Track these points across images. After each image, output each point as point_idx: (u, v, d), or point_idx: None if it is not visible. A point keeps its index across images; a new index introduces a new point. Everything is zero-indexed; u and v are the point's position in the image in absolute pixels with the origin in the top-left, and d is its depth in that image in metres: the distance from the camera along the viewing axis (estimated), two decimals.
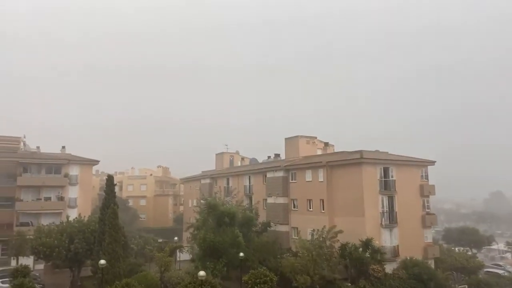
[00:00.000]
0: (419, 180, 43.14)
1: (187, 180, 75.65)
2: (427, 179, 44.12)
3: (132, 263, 37.83)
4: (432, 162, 44.97)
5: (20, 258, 44.50)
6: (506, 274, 48.70)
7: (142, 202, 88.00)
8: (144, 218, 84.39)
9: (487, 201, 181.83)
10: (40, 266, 47.73)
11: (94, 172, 70.77)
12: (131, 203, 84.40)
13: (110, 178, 40.33)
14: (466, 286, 39.12)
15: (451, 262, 43.03)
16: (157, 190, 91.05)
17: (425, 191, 42.90)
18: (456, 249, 54.78)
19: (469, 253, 52.73)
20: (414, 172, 43.21)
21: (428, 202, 43.83)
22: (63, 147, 62.97)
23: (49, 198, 56.49)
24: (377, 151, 46.45)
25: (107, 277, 32.04)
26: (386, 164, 41.16)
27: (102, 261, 32.16)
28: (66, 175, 57.24)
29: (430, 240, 43.18)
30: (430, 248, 41.91)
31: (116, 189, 41.72)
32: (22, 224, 53.21)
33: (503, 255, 71.69)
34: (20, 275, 32.75)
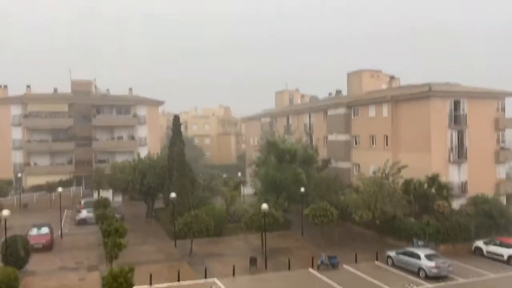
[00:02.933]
0: (494, 113, 40.01)
1: (248, 119, 76.84)
2: (504, 111, 40.77)
3: (200, 197, 40.24)
4: (511, 94, 41.20)
5: (101, 191, 49.21)
6: None
7: (207, 141, 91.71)
8: (208, 155, 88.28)
9: None
10: (119, 198, 52.58)
11: (160, 112, 74.15)
12: (196, 141, 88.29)
13: (176, 118, 42.12)
14: None
15: None
16: (220, 129, 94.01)
17: (501, 124, 39.83)
18: None
19: None
20: (489, 105, 39.97)
21: (503, 136, 40.85)
22: (130, 89, 66.20)
23: (121, 138, 60.74)
24: (447, 83, 43.33)
25: (177, 208, 34.62)
26: (457, 97, 38.43)
27: (173, 195, 34.65)
28: (135, 115, 60.71)
29: (503, 176, 40.82)
30: (502, 184, 39.72)
31: (182, 128, 43.66)
32: (99, 161, 58.28)
33: None
34: (101, 206, 36.30)
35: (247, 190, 49.21)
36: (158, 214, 43.53)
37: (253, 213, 31.76)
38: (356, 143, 46.21)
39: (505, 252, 30.28)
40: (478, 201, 35.34)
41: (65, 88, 63.08)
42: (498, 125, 39.80)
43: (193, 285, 25.16)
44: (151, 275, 25.06)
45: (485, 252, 31.60)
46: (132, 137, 60.65)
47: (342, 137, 47.33)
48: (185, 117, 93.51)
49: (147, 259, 30.19)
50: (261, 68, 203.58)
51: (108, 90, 67.04)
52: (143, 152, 51.51)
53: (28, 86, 61.20)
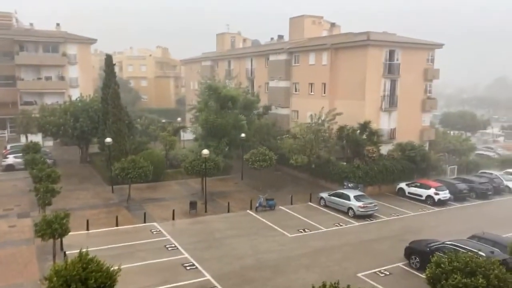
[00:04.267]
0: (424, 64, 42.21)
1: (187, 62, 74.33)
2: (433, 62, 43.16)
3: (137, 142, 39.22)
4: (440, 46, 43.43)
5: (29, 135, 46.11)
6: (495, 156, 50.91)
7: (143, 83, 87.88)
8: (146, 99, 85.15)
9: (490, 87, 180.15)
10: (50, 143, 49.82)
11: (92, 52, 69.23)
12: (132, 84, 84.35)
13: (108, 58, 39.60)
14: (456, 166, 41.16)
15: (445, 145, 44.64)
16: (158, 71, 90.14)
17: (429, 75, 42.29)
18: (452, 132, 56.33)
19: (463, 136, 54.29)
20: (420, 56, 42.02)
21: (430, 86, 43.56)
22: (58, 24, 60.64)
23: (50, 78, 56.29)
24: (385, 32, 44.55)
25: (114, 153, 33.60)
26: (393, 47, 39.82)
27: (108, 139, 33.42)
28: (64, 54, 56.12)
29: (427, 123, 44.07)
30: (426, 131, 43.01)
31: (116, 69, 41.26)
32: (26, 103, 53.97)
33: (496, 139, 73.77)
34: (31, 151, 34.21)
35: (187, 136, 48.75)
36: (93, 160, 42.08)
37: (193, 158, 31.75)
38: (295, 90, 46.89)
39: (424, 192, 33.51)
40: (403, 147, 38.09)
41: None
42: (427, 76, 42.21)
43: (132, 229, 25.22)
44: (88, 221, 24.67)
45: (406, 193, 34.73)
46: (62, 78, 56.42)
47: (283, 84, 47.70)
48: (120, 57, 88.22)
49: (83, 205, 29.51)
50: (201, 9, 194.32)
51: (31, 24, 60.80)
52: (75, 94, 48.33)
53: None
